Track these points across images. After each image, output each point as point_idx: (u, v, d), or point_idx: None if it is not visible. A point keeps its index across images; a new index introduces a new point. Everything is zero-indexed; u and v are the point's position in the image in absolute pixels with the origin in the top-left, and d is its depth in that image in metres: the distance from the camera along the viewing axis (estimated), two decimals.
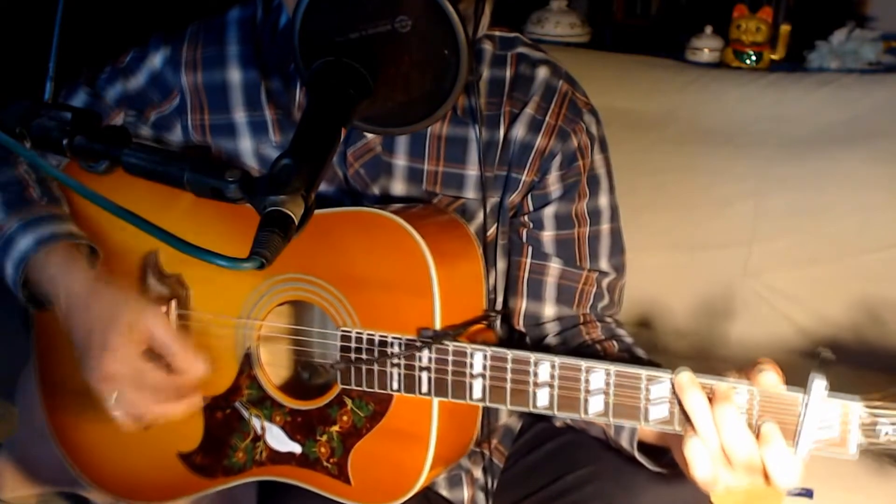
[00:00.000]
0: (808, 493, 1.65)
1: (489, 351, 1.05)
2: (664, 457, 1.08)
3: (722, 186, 2.16)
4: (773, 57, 2.41)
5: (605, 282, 1.27)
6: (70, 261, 1.18)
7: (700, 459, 0.94)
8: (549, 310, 1.25)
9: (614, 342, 1.24)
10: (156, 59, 1.29)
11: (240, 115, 1.27)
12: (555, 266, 1.25)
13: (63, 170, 1.25)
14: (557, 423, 1.27)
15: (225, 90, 1.27)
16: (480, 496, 1.34)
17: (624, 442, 1.12)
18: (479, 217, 1.24)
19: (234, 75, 1.27)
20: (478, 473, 1.35)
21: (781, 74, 2.24)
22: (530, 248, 1.25)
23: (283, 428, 1.18)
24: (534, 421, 1.35)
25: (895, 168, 2.04)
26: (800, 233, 2.10)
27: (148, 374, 1.11)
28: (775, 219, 2.12)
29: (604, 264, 1.27)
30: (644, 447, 1.11)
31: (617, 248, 1.29)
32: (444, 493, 1.33)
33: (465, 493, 1.33)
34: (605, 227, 1.27)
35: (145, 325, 1.11)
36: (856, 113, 2.11)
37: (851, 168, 2.07)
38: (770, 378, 0.93)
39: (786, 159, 2.12)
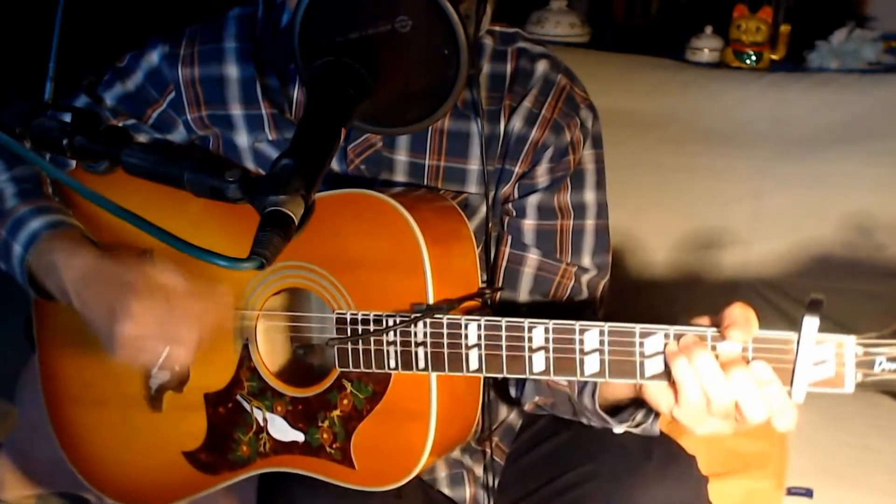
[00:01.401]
0: (807, 493, 1.66)
1: (483, 320, 1.05)
2: (633, 417, 1.09)
3: (722, 186, 2.17)
4: (773, 57, 2.41)
5: (584, 278, 1.27)
6: (77, 241, 1.18)
7: (691, 385, 0.94)
8: (523, 300, 1.25)
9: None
10: (153, 57, 1.29)
11: (236, 110, 1.27)
12: (533, 257, 1.25)
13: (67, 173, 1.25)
14: (527, 408, 1.27)
15: (222, 84, 1.27)
16: (482, 494, 1.34)
17: (587, 400, 1.13)
18: (482, 211, 1.24)
19: (232, 70, 1.27)
20: (479, 472, 1.35)
21: (781, 74, 2.24)
22: (510, 238, 1.25)
23: (284, 417, 1.19)
24: (534, 419, 1.35)
25: (894, 168, 2.05)
26: (800, 233, 2.10)
27: (177, 305, 1.08)
28: (775, 219, 2.12)
29: (586, 261, 1.27)
30: (613, 409, 1.11)
31: (601, 246, 1.28)
32: (447, 491, 1.33)
33: (467, 491, 1.33)
34: (590, 222, 1.27)
35: (159, 276, 1.09)
36: (856, 113, 2.11)
37: (851, 168, 2.08)
38: (739, 309, 0.94)
39: (786, 159, 2.12)
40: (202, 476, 1.25)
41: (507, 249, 1.25)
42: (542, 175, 1.23)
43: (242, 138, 1.27)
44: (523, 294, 1.25)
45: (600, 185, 1.28)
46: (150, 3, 2.72)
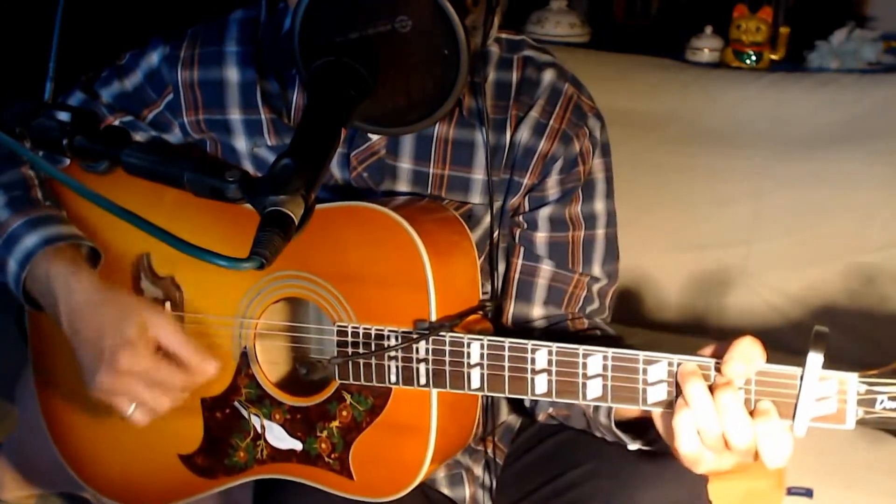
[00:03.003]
0: (807, 493, 1.65)
1: (486, 340, 1.05)
2: (647, 433, 1.08)
3: (722, 186, 2.16)
4: (773, 57, 2.41)
5: (595, 287, 1.27)
6: (73, 264, 1.18)
7: (687, 434, 0.94)
8: (537, 311, 1.25)
9: (597, 331, 1.24)
10: (154, 57, 1.28)
11: (235, 114, 1.26)
12: (546, 268, 1.24)
13: (63, 170, 1.25)
14: (540, 418, 1.27)
15: (221, 88, 1.26)
16: (481, 494, 1.34)
17: (602, 418, 1.12)
18: (486, 221, 1.24)
19: (232, 74, 1.26)
20: (478, 472, 1.35)
21: (781, 74, 2.24)
22: (522, 249, 1.25)
23: (282, 425, 1.19)
24: (533, 419, 1.35)
25: (894, 168, 2.04)
26: (800, 233, 2.10)
27: (162, 373, 1.11)
28: (775, 219, 2.12)
29: (597, 270, 1.27)
30: (627, 424, 1.10)
31: (611, 254, 1.28)
32: (446, 491, 1.33)
33: (467, 491, 1.33)
34: (600, 232, 1.27)
35: (155, 329, 1.11)
36: (856, 113, 2.11)
37: (851, 168, 2.07)
38: (746, 343, 0.93)
39: (786, 159, 2.12)
40: (198, 479, 1.25)
41: (520, 261, 1.25)
42: (552, 187, 1.23)
43: (241, 143, 1.27)
44: (537, 305, 1.25)
45: (609, 193, 1.28)
46: (151, 3, 2.72)
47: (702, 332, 2.14)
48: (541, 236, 1.24)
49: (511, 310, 1.26)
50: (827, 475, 1.61)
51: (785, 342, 2.06)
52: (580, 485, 1.19)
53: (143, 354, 1.10)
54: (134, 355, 1.09)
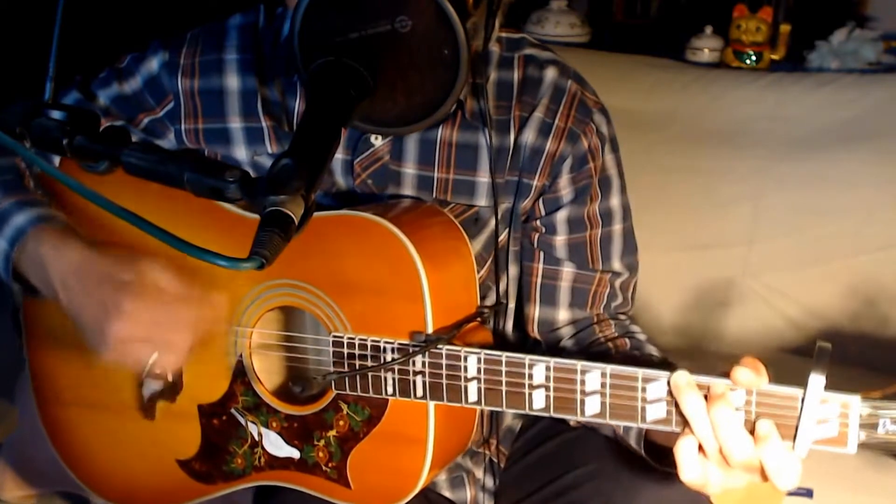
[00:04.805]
0: (807, 493, 1.65)
1: (483, 354, 1.04)
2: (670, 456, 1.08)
3: (722, 186, 2.16)
4: (773, 57, 2.41)
5: (618, 282, 1.26)
6: (65, 236, 1.14)
7: (688, 461, 0.94)
8: (562, 314, 1.25)
9: (627, 339, 1.24)
10: (153, 63, 1.27)
11: (235, 123, 1.25)
12: (568, 270, 1.24)
13: (61, 170, 1.24)
14: (571, 422, 1.27)
15: (221, 97, 1.25)
16: (482, 496, 1.34)
17: (632, 441, 1.12)
18: (492, 224, 1.23)
19: (232, 82, 1.25)
20: (479, 474, 1.35)
21: (781, 74, 2.24)
22: (542, 254, 1.25)
23: (280, 433, 1.18)
24: (534, 421, 1.35)
25: (894, 168, 2.04)
26: (800, 233, 2.10)
27: (170, 309, 1.05)
28: (775, 219, 2.12)
29: (616, 265, 1.26)
30: (653, 448, 1.10)
31: (629, 247, 1.28)
32: (447, 493, 1.33)
33: (468, 493, 1.33)
34: (617, 227, 1.27)
35: (152, 272, 1.06)
36: (856, 113, 2.11)
37: (851, 168, 2.07)
38: (742, 374, 0.93)
39: (786, 159, 2.12)
40: (197, 485, 1.24)
41: (541, 266, 1.24)
42: (564, 187, 1.22)
43: (241, 152, 1.26)
44: (562, 308, 1.24)
45: (623, 188, 1.28)
46: (150, 3, 2.72)
47: (701, 332, 2.13)
48: (560, 239, 1.24)
49: (536, 315, 1.26)
50: (827, 475, 1.61)
51: (785, 342, 2.06)
52: (581, 485, 1.19)
53: (146, 294, 1.05)
54: (136, 297, 1.04)
